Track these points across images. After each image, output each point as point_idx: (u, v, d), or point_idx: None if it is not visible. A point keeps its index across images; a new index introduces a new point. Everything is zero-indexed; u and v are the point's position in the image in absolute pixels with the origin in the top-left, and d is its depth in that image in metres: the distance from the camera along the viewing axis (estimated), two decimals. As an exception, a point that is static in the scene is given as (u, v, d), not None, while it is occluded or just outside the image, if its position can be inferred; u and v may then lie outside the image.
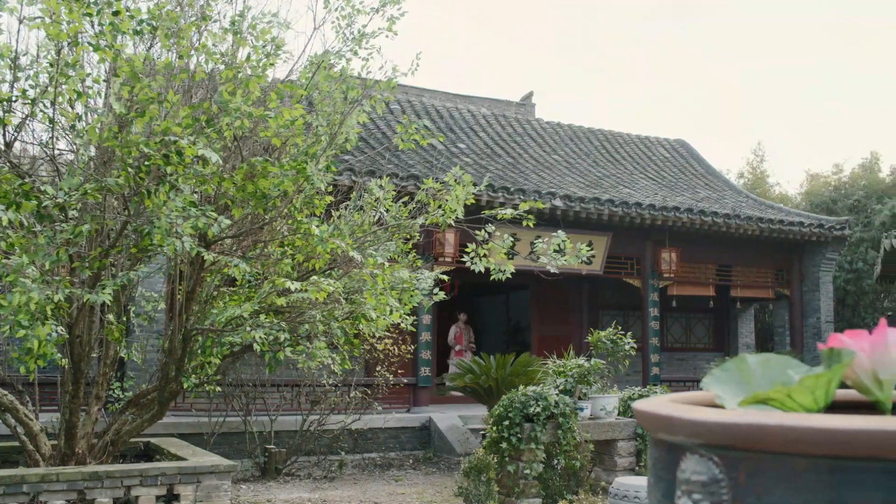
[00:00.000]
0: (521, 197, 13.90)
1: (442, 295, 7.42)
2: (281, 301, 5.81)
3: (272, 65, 6.76)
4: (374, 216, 7.64)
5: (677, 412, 0.74)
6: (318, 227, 5.70)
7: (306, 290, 5.34)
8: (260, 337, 6.11)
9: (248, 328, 6.19)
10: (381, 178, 7.85)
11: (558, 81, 68.51)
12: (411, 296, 6.99)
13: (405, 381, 11.72)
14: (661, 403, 0.80)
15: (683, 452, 0.73)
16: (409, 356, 11.42)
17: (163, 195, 5.20)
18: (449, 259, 13.87)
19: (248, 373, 11.06)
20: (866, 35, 65.65)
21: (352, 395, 10.70)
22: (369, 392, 10.74)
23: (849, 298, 23.61)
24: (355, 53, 6.84)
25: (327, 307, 6.66)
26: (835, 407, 0.84)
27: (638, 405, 0.81)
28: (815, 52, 67.97)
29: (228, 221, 5.46)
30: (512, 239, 13.84)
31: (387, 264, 5.89)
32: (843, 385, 0.84)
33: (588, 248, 7.51)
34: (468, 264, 7.62)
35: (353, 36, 6.87)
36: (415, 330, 11.47)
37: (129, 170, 5.21)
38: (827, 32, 68.03)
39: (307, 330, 6.57)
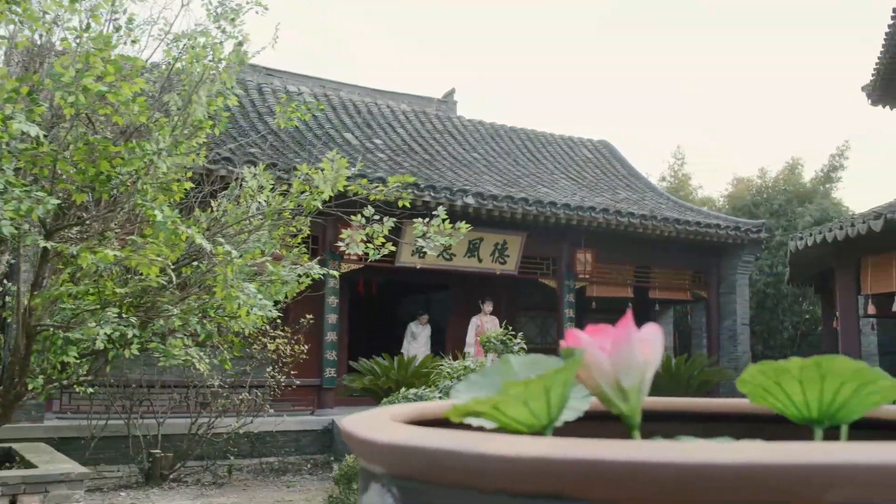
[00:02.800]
0: (432, 194, 13.55)
1: (307, 282, 6.94)
2: (122, 291, 5.32)
3: (135, 41, 6.29)
4: (253, 207, 7.20)
5: (360, 430, 0.57)
6: (163, 213, 5.22)
7: (128, 257, 4.87)
8: (105, 333, 5.61)
9: (93, 323, 5.69)
10: (256, 166, 7.39)
11: (483, 80, 68.53)
12: (278, 289, 6.53)
13: (298, 382, 11.23)
14: (368, 418, 0.62)
15: (369, 482, 0.59)
16: (303, 356, 10.94)
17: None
18: (355, 257, 13.42)
19: (138, 372, 10.47)
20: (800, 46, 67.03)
21: (241, 396, 10.19)
22: (259, 394, 10.24)
23: (769, 301, 23.77)
24: (223, 31, 6.38)
25: (185, 301, 6.19)
26: (591, 419, 0.69)
27: (345, 421, 0.62)
28: (749, 58, 69.17)
29: (56, 201, 4.95)
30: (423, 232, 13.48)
31: (234, 253, 5.41)
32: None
33: (468, 228, 7.14)
34: (342, 248, 7.20)
35: (222, 12, 6.41)
36: (307, 324, 11.02)
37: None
38: (757, 42, 69.31)
39: (162, 326, 6.08)
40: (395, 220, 7.52)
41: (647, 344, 0.67)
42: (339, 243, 7.30)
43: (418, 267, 14.27)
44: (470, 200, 13.87)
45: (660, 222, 16.07)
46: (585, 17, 72.28)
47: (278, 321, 10.63)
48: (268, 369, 10.40)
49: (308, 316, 10.43)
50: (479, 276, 15.94)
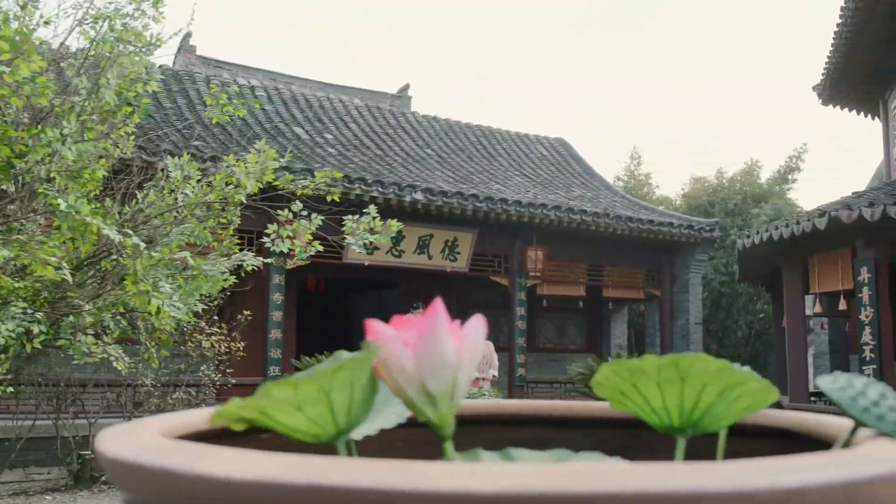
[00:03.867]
0: (380, 189, 13.30)
1: (232, 279, 6.63)
2: (20, 285, 5.01)
3: (48, 22, 5.96)
4: (179, 198, 6.90)
5: (111, 447, 0.45)
6: (67, 202, 4.92)
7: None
8: (6, 329, 5.29)
9: (-6, 319, 5.36)
10: (179, 157, 7.07)
11: (441, 77, 68.40)
12: (199, 284, 6.23)
13: (234, 381, 10.91)
14: (128, 431, 0.51)
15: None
16: (241, 354, 10.63)
17: None
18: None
19: (69, 371, 10.09)
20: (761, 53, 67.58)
21: (175, 396, 9.86)
22: (194, 393, 9.92)
23: (724, 300, 23.84)
24: (141, 12, 6.08)
25: (101, 296, 5.88)
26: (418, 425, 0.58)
27: (101, 436, 0.49)
28: (718, 59, 69.65)
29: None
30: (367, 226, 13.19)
31: (142, 246, 5.12)
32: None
33: (399, 226, 6.87)
34: (267, 244, 6.90)
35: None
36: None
37: None
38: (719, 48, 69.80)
39: (72, 322, 5.77)
40: (340, 216, 7.27)
41: (462, 340, 0.56)
42: (265, 239, 6.99)
43: (367, 264, 14.02)
44: (419, 196, 13.63)
45: (612, 220, 15.95)
46: (555, 18, 72.48)
47: (215, 318, 10.38)
48: (202, 367, 10.07)
49: (246, 312, 10.13)
50: (429, 274, 15.71)
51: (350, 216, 7.00)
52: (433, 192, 13.85)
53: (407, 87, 20.58)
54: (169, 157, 6.93)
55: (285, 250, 6.66)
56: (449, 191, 14.07)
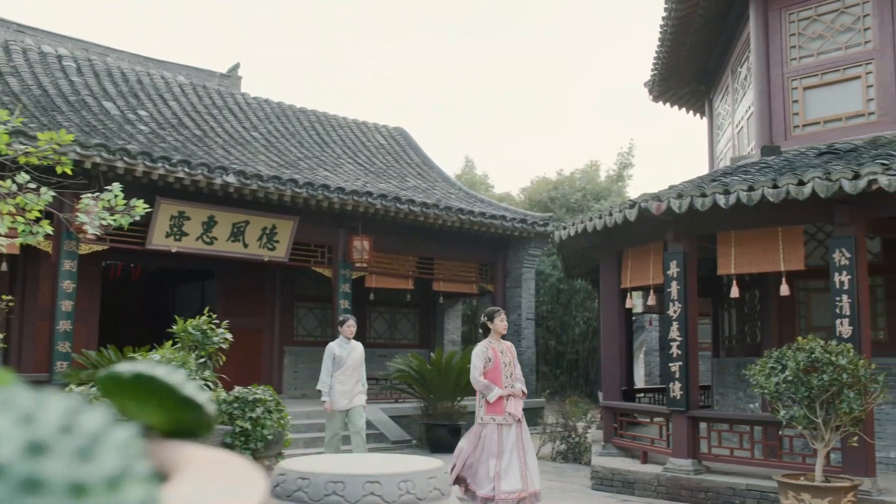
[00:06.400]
0: (187, 170, 12.27)
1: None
2: None
3: None
4: None
5: None
6: None
7: None
8: None
9: None
10: None
11: (282, 61, 67.05)
12: None
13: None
14: None
15: None
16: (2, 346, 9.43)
17: None
18: (92, 236, 11.95)
19: None
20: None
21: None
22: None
23: (562, 297, 23.87)
24: None
25: None
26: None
27: None
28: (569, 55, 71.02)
29: None
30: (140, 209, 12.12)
31: None
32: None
33: (145, 207, 5.95)
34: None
35: None
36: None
37: None
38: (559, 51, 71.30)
39: None
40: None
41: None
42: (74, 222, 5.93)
43: (174, 251, 12.97)
44: (231, 179, 12.68)
45: (442, 211, 15.45)
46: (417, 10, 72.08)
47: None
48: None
49: (6, 297, 8.94)
50: (249, 264, 14.78)
51: (89, 193, 6.02)
52: (247, 176, 12.92)
53: (237, 66, 19.47)
54: None
55: (3, 231, 5.60)
56: (265, 174, 13.17)
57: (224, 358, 7.18)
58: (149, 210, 6.28)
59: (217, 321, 7.05)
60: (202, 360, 6.67)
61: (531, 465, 7.25)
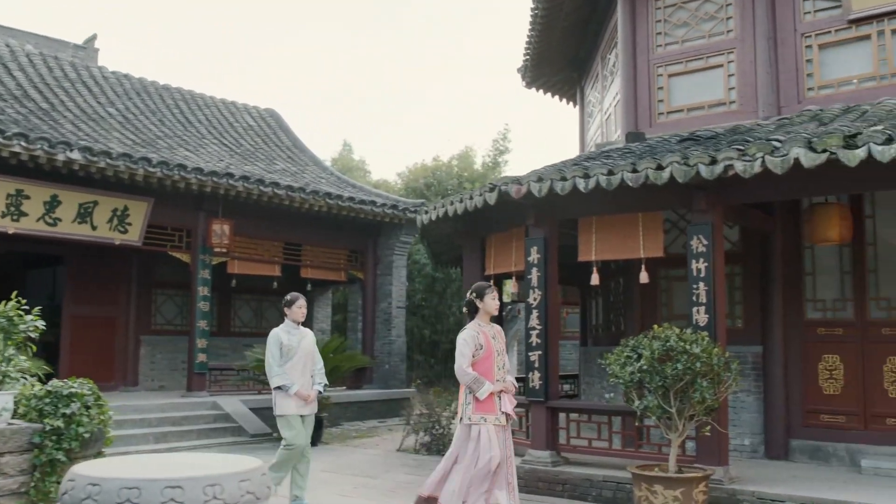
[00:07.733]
0: (23, 144, 11.31)
1: None
2: None
3: None
4: None
5: None
6: None
7: None
8: None
9: None
10: None
11: (147, 37, 64.86)
12: None
13: None
14: None
15: None
16: None
17: None
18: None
19: None
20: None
21: None
22: None
23: (438, 285, 23.64)
24: None
25: None
26: None
27: None
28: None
29: None
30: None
31: None
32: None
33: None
34: None
35: None
36: None
37: None
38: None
39: None
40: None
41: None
42: None
43: (11, 232, 11.96)
44: (76, 155, 11.77)
45: (309, 195, 14.88)
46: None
47: None
48: None
49: None
50: (98, 248, 13.86)
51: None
52: (94, 152, 12.03)
53: (94, 37, 18.31)
54: None
55: None
56: (115, 151, 12.30)
57: (35, 348, 6.50)
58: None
59: (27, 307, 6.36)
60: (10, 349, 5.99)
61: (516, 486, 6.24)
